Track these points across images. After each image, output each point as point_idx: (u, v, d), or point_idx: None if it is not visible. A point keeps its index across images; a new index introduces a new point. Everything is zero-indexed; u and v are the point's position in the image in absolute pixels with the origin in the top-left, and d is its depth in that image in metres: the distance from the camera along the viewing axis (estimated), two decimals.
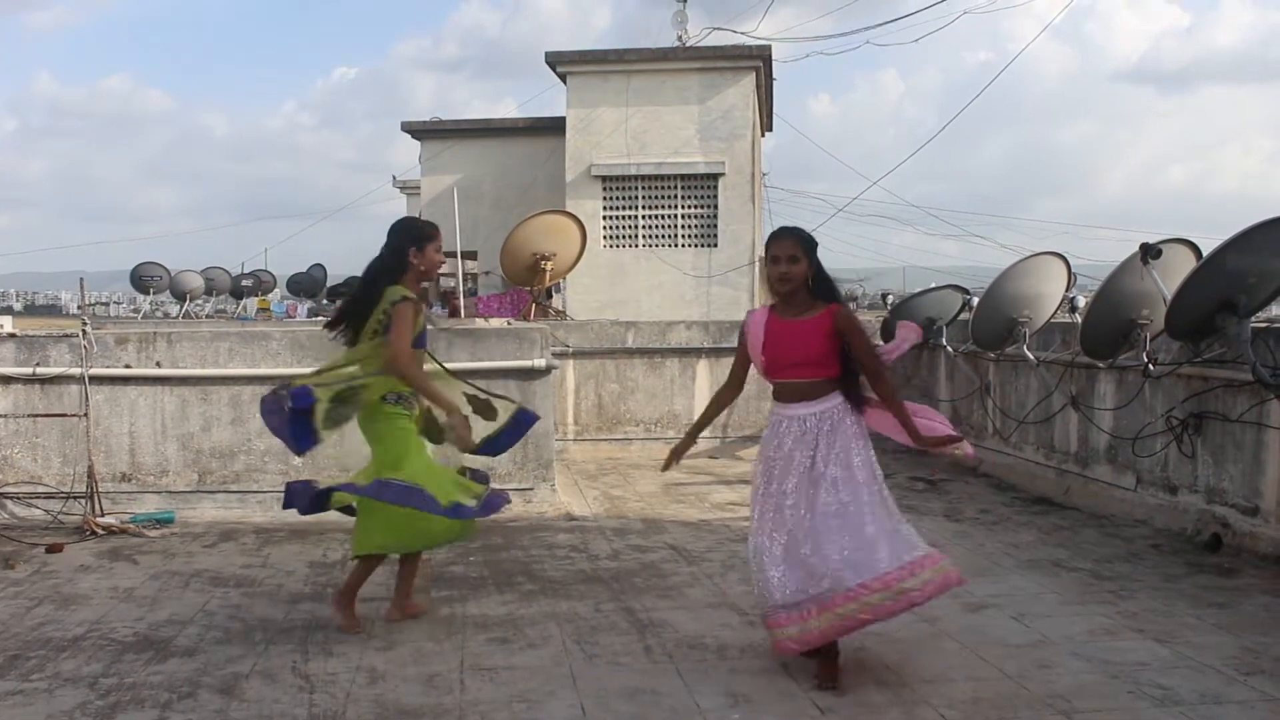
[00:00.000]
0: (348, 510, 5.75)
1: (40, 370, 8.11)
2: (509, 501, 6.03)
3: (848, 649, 4.89)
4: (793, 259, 4.82)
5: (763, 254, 4.97)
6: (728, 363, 10.26)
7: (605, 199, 19.88)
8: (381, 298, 5.45)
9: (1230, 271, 6.66)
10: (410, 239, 5.58)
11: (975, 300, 10.83)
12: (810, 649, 4.66)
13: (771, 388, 5.07)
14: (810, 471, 4.84)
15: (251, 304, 31.83)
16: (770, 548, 4.81)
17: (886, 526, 4.79)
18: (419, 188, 24.97)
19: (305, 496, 5.70)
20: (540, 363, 8.46)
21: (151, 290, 29.36)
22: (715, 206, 19.53)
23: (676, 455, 5.57)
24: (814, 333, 4.85)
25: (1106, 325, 7.95)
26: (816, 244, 4.92)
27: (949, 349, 11.17)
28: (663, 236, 19.92)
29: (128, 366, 8.20)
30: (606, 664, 4.95)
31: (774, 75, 22.12)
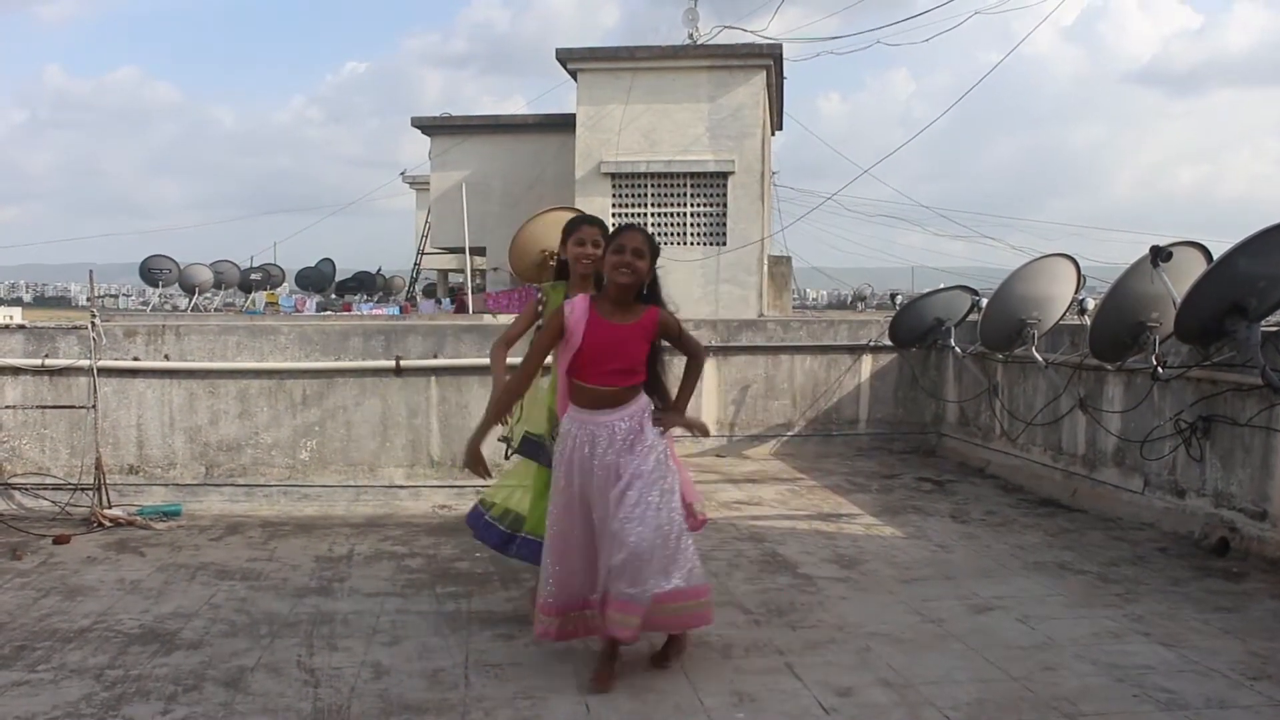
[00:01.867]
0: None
1: (49, 361, 8.12)
2: None
3: (852, 650, 4.89)
4: (638, 253, 4.65)
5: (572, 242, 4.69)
6: (737, 361, 10.39)
7: (615, 196, 19.88)
8: None
9: (1241, 275, 6.64)
10: (562, 237, 5.46)
11: (984, 301, 10.82)
12: (564, 639, 4.85)
13: (577, 387, 4.78)
14: (609, 479, 4.66)
15: (260, 298, 31.92)
16: (557, 545, 4.79)
17: (669, 544, 4.62)
18: (428, 183, 25.02)
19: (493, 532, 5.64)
20: (547, 359, 8.44)
21: (160, 283, 29.47)
22: (724, 205, 19.52)
23: (474, 457, 5.08)
24: (637, 338, 4.74)
25: (1115, 328, 7.92)
26: (658, 253, 4.84)
27: (957, 350, 11.15)
28: (672, 234, 19.92)
29: (136, 359, 8.22)
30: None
31: (784, 74, 22.11)
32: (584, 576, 4.78)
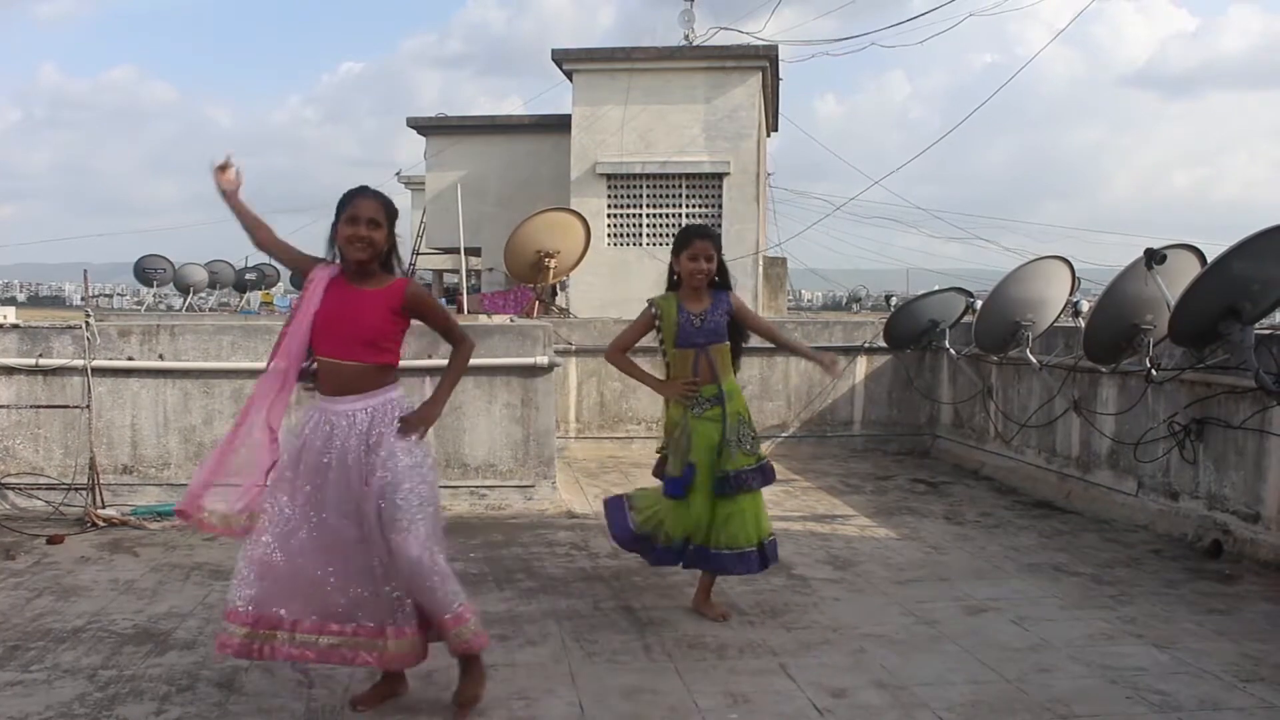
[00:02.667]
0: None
1: (43, 361, 8.11)
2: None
3: (846, 652, 4.89)
4: (373, 223, 4.23)
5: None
6: None
7: (610, 197, 19.90)
8: None
9: (1235, 278, 6.65)
10: (674, 249, 5.61)
11: (979, 303, 10.82)
12: (244, 656, 4.24)
13: (319, 366, 4.31)
14: (356, 481, 4.20)
15: (255, 297, 31.89)
16: (263, 541, 4.23)
17: (405, 571, 4.21)
18: (424, 183, 25.00)
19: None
20: (543, 360, 8.46)
21: (155, 283, 29.41)
22: (720, 206, 19.55)
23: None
24: (381, 308, 4.25)
25: (1110, 330, 7.93)
26: (397, 214, 4.43)
27: (952, 351, 11.17)
28: (667, 235, 19.92)
29: (130, 359, 8.21)
30: (605, 662, 4.95)
31: (780, 75, 22.13)
32: (292, 592, 4.20)
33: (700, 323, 5.50)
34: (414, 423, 4.28)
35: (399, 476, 4.17)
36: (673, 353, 5.56)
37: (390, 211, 4.34)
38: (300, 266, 4.44)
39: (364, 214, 4.22)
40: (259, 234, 4.47)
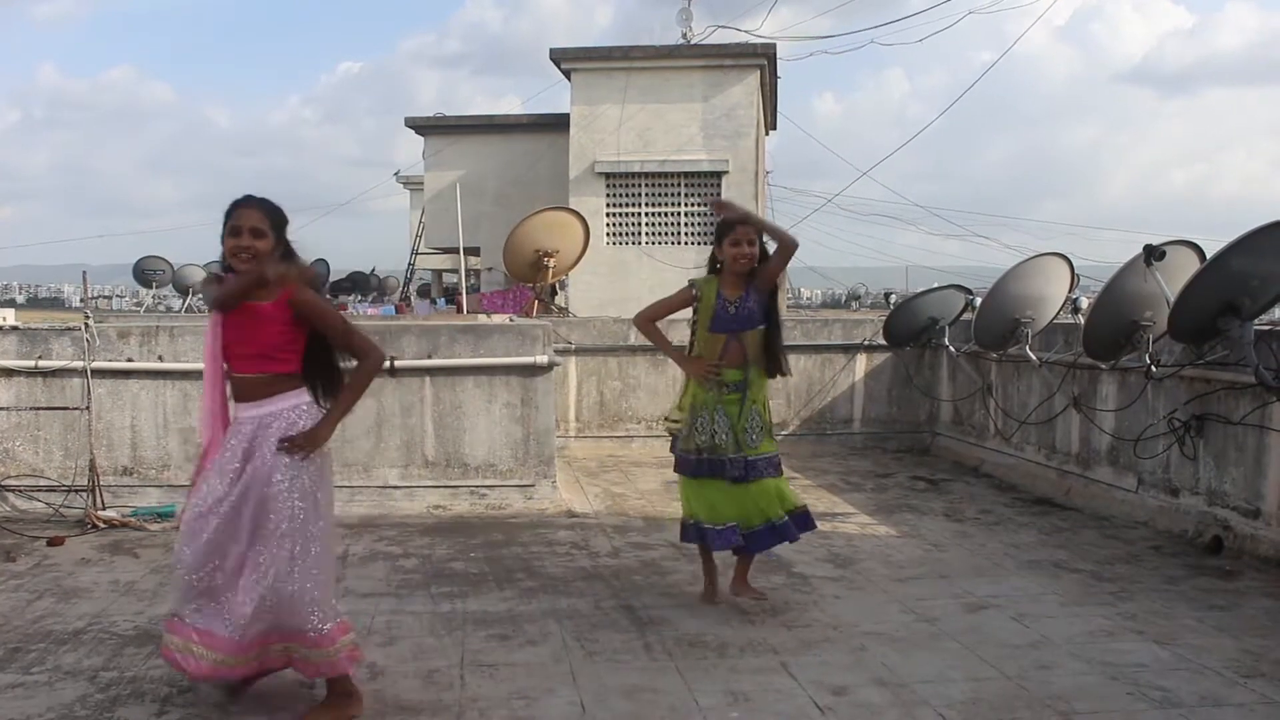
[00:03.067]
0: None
1: (43, 363, 8.11)
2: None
3: (847, 649, 4.89)
4: (256, 232, 4.17)
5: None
6: None
7: (609, 196, 19.89)
8: None
9: (1234, 274, 6.66)
10: (717, 237, 5.70)
11: (978, 300, 10.83)
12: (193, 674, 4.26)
13: (231, 380, 4.32)
14: (239, 491, 4.15)
15: None
16: (188, 551, 4.20)
17: (297, 585, 4.14)
18: (422, 183, 25.00)
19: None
20: (542, 359, 8.46)
21: (154, 284, 29.39)
22: None
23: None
24: (272, 319, 4.17)
25: (1109, 327, 7.94)
26: (287, 221, 4.31)
27: (951, 349, 11.17)
28: (666, 234, 19.93)
29: (130, 360, 8.20)
30: (606, 661, 4.95)
31: (778, 74, 22.11)
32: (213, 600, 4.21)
33: (735, 309, 5.60)
34: (297, 443, 4.16)
35: (273, 494, 4.13)
36: (704, 336, 5.65)
37: (276, 219, 4.24)
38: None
39: (246, 224, 4.15)
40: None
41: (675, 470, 5.86)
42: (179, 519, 4.44)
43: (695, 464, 5.69)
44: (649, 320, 5.89)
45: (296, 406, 4.24)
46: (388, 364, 8.17)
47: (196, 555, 4.16)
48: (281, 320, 4.17)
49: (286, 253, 4.26)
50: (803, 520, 5.83)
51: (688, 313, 5.78)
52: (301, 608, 4.15)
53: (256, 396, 4.20)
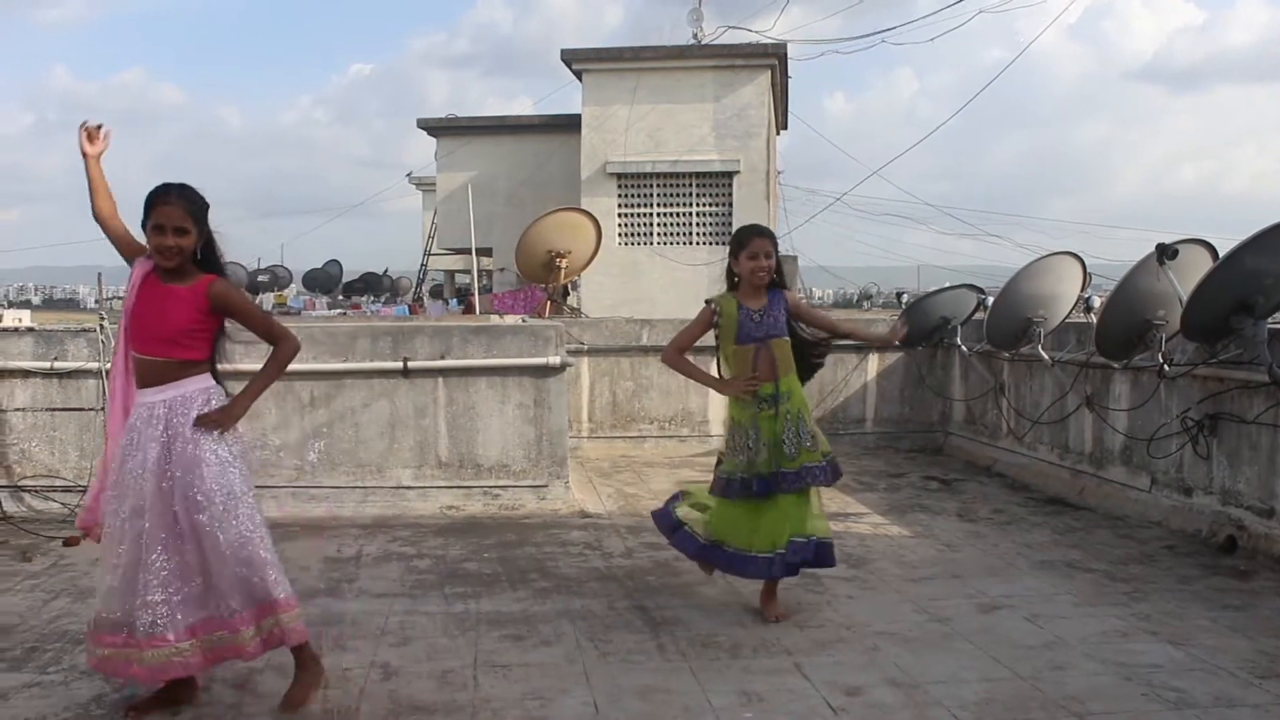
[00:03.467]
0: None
1: (58, 364, 8.14)
2: None
3: (860, 650, 4.88)
4: (179, 231, 4.15)
5: None
6: None
7: (620, 196, 19.90)
8: None
9: (1247, 272, 6.63)
10: (733, 249, 5.68)
11: (990, 300, 10.80)
12: (128, 679, 4.29)
13: (135, 362, 4.32)
14: (158, 476, 4.15)
15: (268, 299, 31.97)
16: (110, 553, 4.21)
17: (229, 563, 4.17)
18: (434, 184, 25.04)
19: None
20: (555, 360, 8.46)
21: None
22: (730, 204, 19.54)
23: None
24: (185, 304, 4.19)
25: (1122, 326, 7.92)
26: (208, 207, 4.27)
27: (963, 348, 11.14)
28: (677, 234, 19.93)
29: None
30: (620, 661, 4.95)
31: (789, 74, 22.09)
32: (131, 599, 4.15)
33: (760, 318, 5.58)
34: (211, 420, 4.21)
35: (201, 472, 4.15)
36: (732, 349, 5.63)
37: (197, 211, 4.21)
38: (126, 255, 4.38)
39: (169, 223, 4.13)
40: (102, 203, 4.42)
41: (711, 492, 5.79)
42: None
43: (725, 485, 5.64)
44: (679, 352, 5.78)
45: (207, 389, 4.30)
46: (401, 364, 8.20)
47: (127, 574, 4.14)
48: (200, 309, 4.21)
49: (208, 244, 4.26)
50: (823, 552, 5.68)
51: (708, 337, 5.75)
52: (267, 571, 4.22)
53: (163, 380, 4.21)
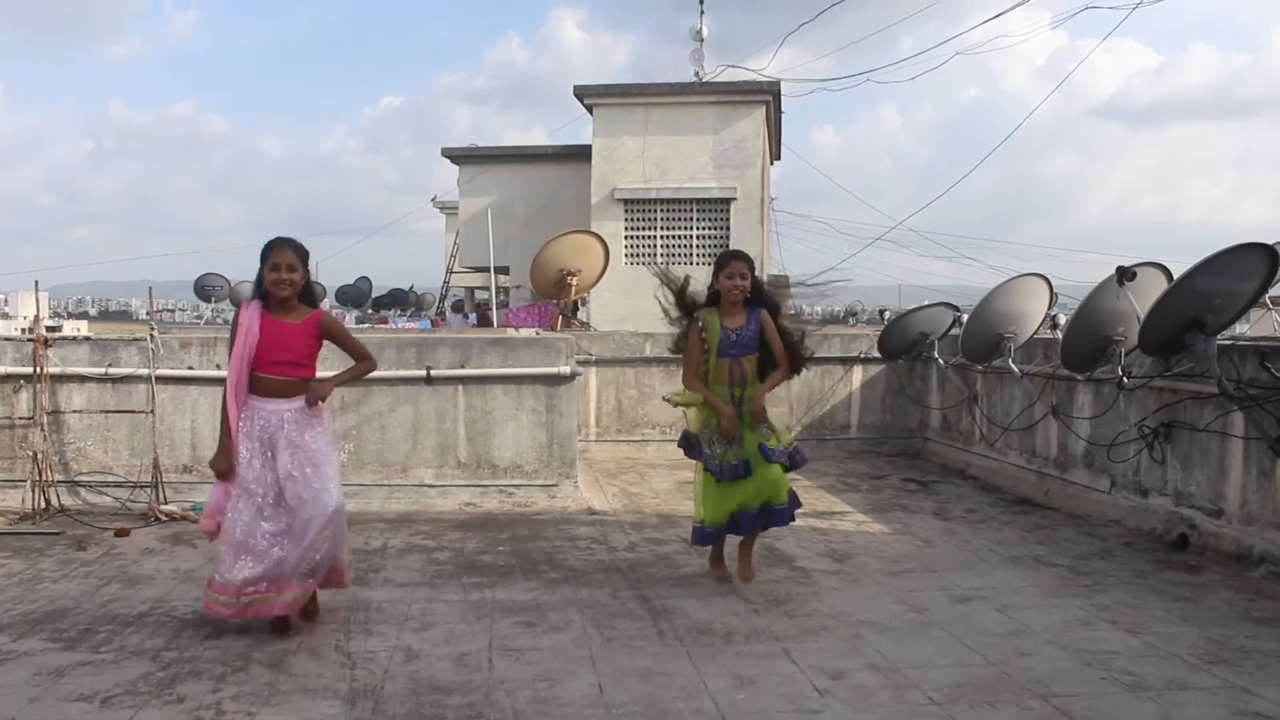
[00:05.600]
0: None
1: (112, 370, 8.17)
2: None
3: (844, 637, 4.87)
4: (292, 267, 5.00)
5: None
6: None
7: (627, 220, 19.89)
8: None
9: (1199, 293, 6.63)
10: (715, 271, 6.02)
11: (965, 317, 10.79)
12: (241, 618, 4.98)
13: (254, 378, 5.03)
14: (276, 464, 4.95)
15: None
16: (235, 523, 4.93)
17: (324, 532, 4.97)
18: (457, 208, 25.06)
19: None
20: (565, 369, 8.48)
21: (213, 298, 29.48)
22: (728, 228, 19.51)
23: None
24: (302, 335, 5.03)
25: (1085, 341, 7.91)
26: (309, 255, 5.13)
27: (940, 361, 11.13)
28: (679, 255, 19.91)
29: (190, 368, 8.25)
30: (623, 647, 4.95)
31: (782, 109, 22.11)
32: (262, 556, 4.92)
33: (736, 336, 5.88)
34: (314, 392, 5.05)
35: (312, 458, 4.97)
36: (714, 360, 5.89)
37: (303, 256, 5.07)
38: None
39: (284, 261, 4.98)
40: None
41: (706, 469, 5.94)
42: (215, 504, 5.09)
43: (719, 470, 5.84)
44: (694, 377, 5.97)
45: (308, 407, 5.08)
46: (424, 373, 8.23)
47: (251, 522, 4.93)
48: (313, 336, 5.07)
49: (307, 284, 5.10)
50: (793, 502, 6.00)
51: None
52: (338, 542, 5.09)
53: (289, 394, 5.01)
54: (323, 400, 5.10)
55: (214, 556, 5.15)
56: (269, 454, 4.96)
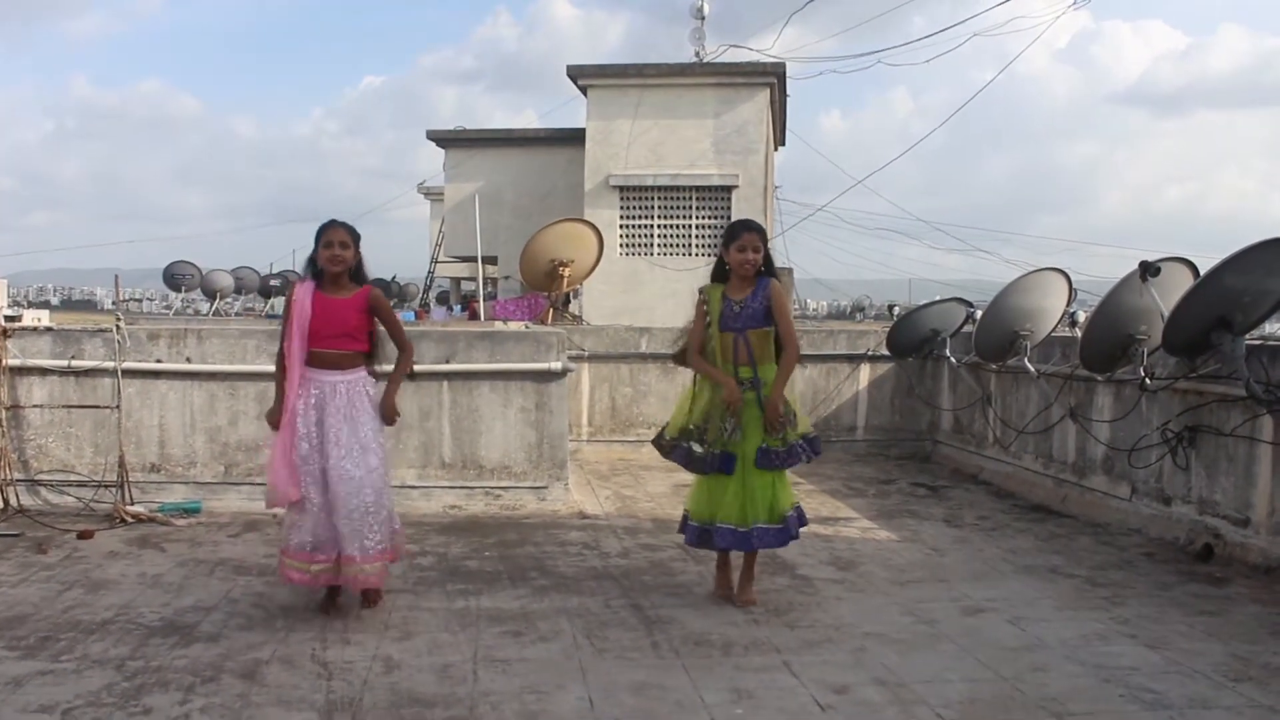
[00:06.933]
0: None
1: (75, 363, 8.15)
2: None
3: (848, 650, 4.88)
4: (344, 245, 5.46)
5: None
6: None
7: (622, 208, 19.92)
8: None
9: (1227, 290, 6.64)
10: (725, 241, 5.91)
11: (978, 313, 10.81)
12: (314, 587, 5.57)
13: (310, 353, 5.47)
14: (329, 437, 5.40)
15: (279, 303, 32.00)
16: (303, 496, 5.39)
17: (375, 506, 5.45)
18: (442, 194, 25.06)
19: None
20: (556, 365, 8.47)
21: (183, 288, 29.48)
22: (729, 217, 19.53)
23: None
24: (351, 309, 5.49)
25: (1105, 340, 7.92)
26: (360, 238, 5.59)
27: (952, 360, 11.15)
28: (677, 245, 19.94)
29: (159, 361, 8.24)
30: (615, 658, 4.95)
31: (787, 91, 22.12)
32: (321, 526, 5.42)
33: (739, 309, 5.76)
34: (386, 417, 5.62)
35: (363, 441, 5.44)
36: (718, 335, 5.79)
37: (355, 236, 5.56)
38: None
39: (336, 239, 5.47)
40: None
41: (690, 470, 5.91)
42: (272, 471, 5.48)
43: (704, 461, 5.76)
44: (698, 352, 5.91)
45: (367, 377, 5.60)
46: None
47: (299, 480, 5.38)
48: (362, 310, 5.52)
49: (358, 264, 5.56)
50: (797, 520, 5.92)
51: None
52: (379, 524, 5.49)
53: (344, 367, 5.48)
54: (397, 414, 5.70)
55: (284, 523, 5.60)
56: (320, 427, 5.41)
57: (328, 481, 5.38)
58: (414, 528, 7.62)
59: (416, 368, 8.22)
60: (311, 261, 5.59)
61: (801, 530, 5.99)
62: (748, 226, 5.87)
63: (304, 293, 5.50)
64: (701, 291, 5.93)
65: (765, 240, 5.85)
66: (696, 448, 5.77)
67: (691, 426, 5.83)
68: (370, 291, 5.59)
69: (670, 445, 5.93)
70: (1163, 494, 7.76)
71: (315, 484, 5.39)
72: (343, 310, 5.49)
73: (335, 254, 5.47)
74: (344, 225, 5.58)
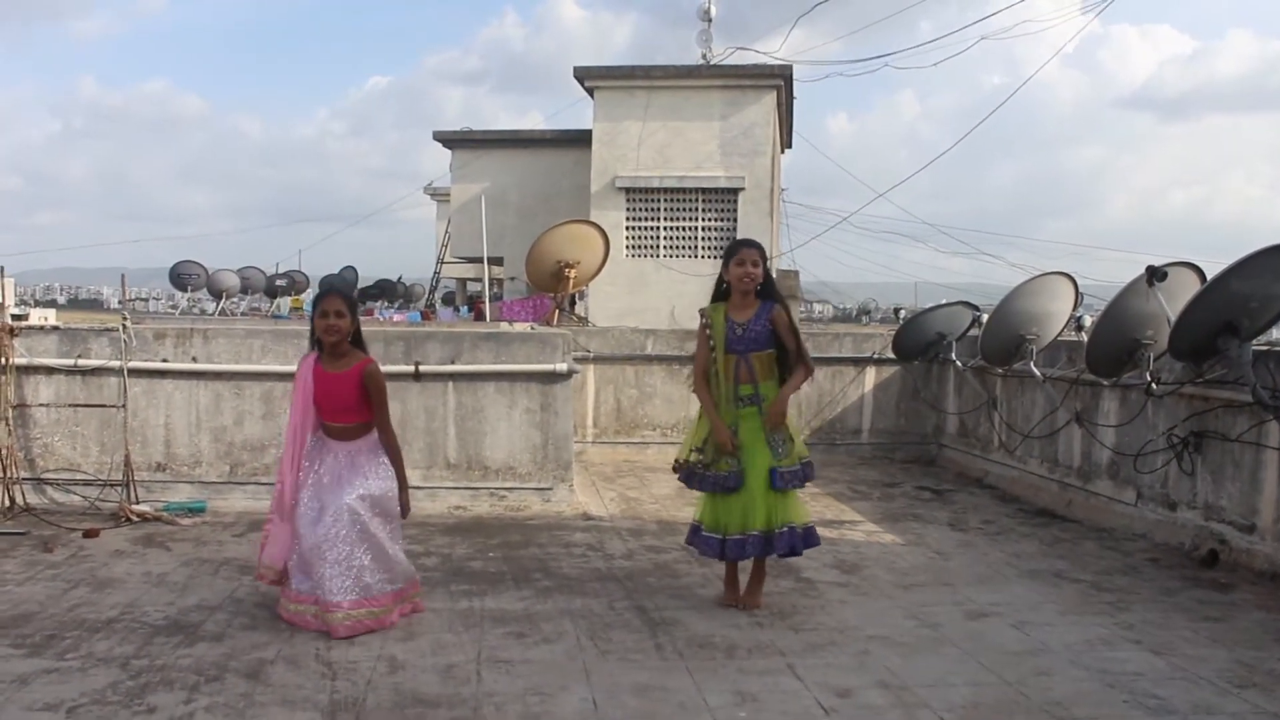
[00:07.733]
0: None
1: (81, 362, 8.17)
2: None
3: (851, 653, 4.89)
4: (339, 314, 5.44)
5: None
6: None
7: (628, 210, 19.93)
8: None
9: (1234, 295, 6.64)
10: (724, 260, 5.95)
11: (984, 317, 10.81)
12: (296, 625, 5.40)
13: (325, 425, 5.56)
14: (330, 495, 5.39)
15: (285, 303, 32.04)
16: (296, 538, 5.42)
17: (363, 562, 5.34)
18: (449, 195, 25.08)
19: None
20: (562, 367, 8.48)
21: (189, 287, 29.52)
22: (735, 220, 19.56)
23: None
24: (349, 384, 5.47)
25: (1111, 344, 7.92)
26: (358, 303, 5.64)
27: (958, 364, 11.15)
28: (683, 247, 19.95)
29: (165, 360, 8.26)
30: (618, 660, 4.95)
31: (794, 94, 22.12)
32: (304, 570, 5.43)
33: (742, 331, 5.79)
34: (405, 511, 5.65)
35: (369, 489, 5.43)
36: (722, 357, 5.82)
37: (351, 302, 5.62)
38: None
39: (331, 308, 5.45)
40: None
41: (717, 490, 5.89)
42: (272, 514, 5.63)
43: (703, 480, 5.87)
44: (704, 378, 5.95)
45: (374, 444, 5.57)
46: (412, 368, 8.24)
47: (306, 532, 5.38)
48: (358, 385, 5.48)
49: (357, 331, 5.56)
50: (804, 537, 5.88)
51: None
52: (386, 567, 5.46)
53: (350, 437, 5.52)
54: (406, 515, 5.69)
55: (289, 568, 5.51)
56: (336, 483, 5.44)
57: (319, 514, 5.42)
58: (418, 528, 7.63)
59: (423, 368, 8.29)
60: (314, 332, 5.57)
61: (807, 550, 5.97)
62: (747, 243, 5.96)
63: (306, 368, 5.56)
64: (703, 314, 5.96)
65: (765, 257, 5.90)
66: (699, 468, 5.88)
67: (695, 453, 5.95)
68: (364, 369, 5.51)
69: (681, 468, 6.03)
70: (1168, 499, 7.76)
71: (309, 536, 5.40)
72: (341, 386, 5.49)
73: (330, 324, 5.44)
74: (340, 293, 5.64)
